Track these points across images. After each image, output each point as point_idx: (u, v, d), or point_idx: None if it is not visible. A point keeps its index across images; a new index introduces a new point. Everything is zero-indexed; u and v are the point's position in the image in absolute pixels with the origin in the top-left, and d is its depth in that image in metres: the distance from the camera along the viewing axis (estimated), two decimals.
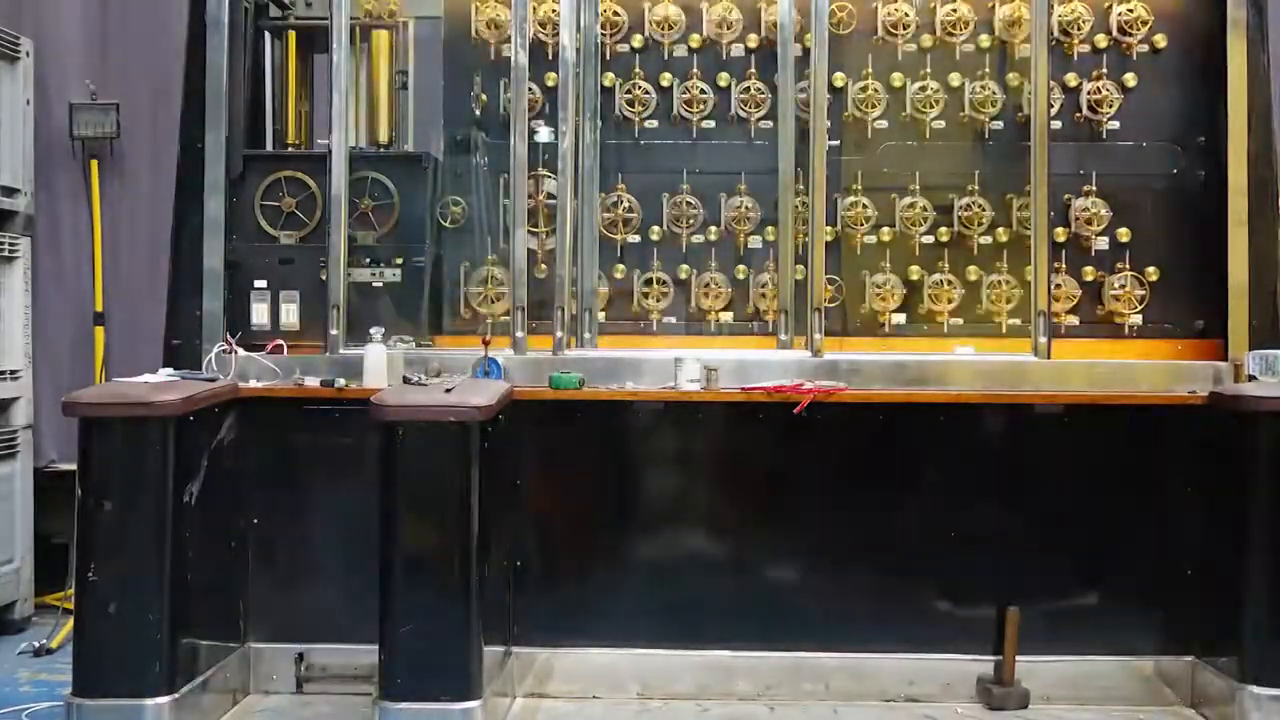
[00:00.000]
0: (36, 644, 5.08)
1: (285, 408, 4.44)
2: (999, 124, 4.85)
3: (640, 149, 4.90)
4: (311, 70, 5.18)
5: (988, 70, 4.85)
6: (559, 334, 4.57)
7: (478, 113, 4.93)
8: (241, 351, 4.48)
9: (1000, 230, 4.83)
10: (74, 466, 4.10)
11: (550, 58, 4.88)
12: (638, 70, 4.85)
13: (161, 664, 3.92)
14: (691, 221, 4.84)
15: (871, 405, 4.43)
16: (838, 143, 4.86)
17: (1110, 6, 4.80)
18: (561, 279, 4.61)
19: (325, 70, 5.05)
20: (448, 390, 4.02)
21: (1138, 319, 4.77)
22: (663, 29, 4.85)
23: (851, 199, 4.84)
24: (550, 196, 4.90)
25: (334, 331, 4.57)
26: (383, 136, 4.94)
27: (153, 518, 3.91)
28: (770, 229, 4.81)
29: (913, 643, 4.42)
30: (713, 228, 4.82)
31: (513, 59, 4.64)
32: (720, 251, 4.87)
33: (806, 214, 4.83)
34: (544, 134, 4.80)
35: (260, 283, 4.68)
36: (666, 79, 4.88)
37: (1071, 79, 4.81)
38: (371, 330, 4.50)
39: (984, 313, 4.82)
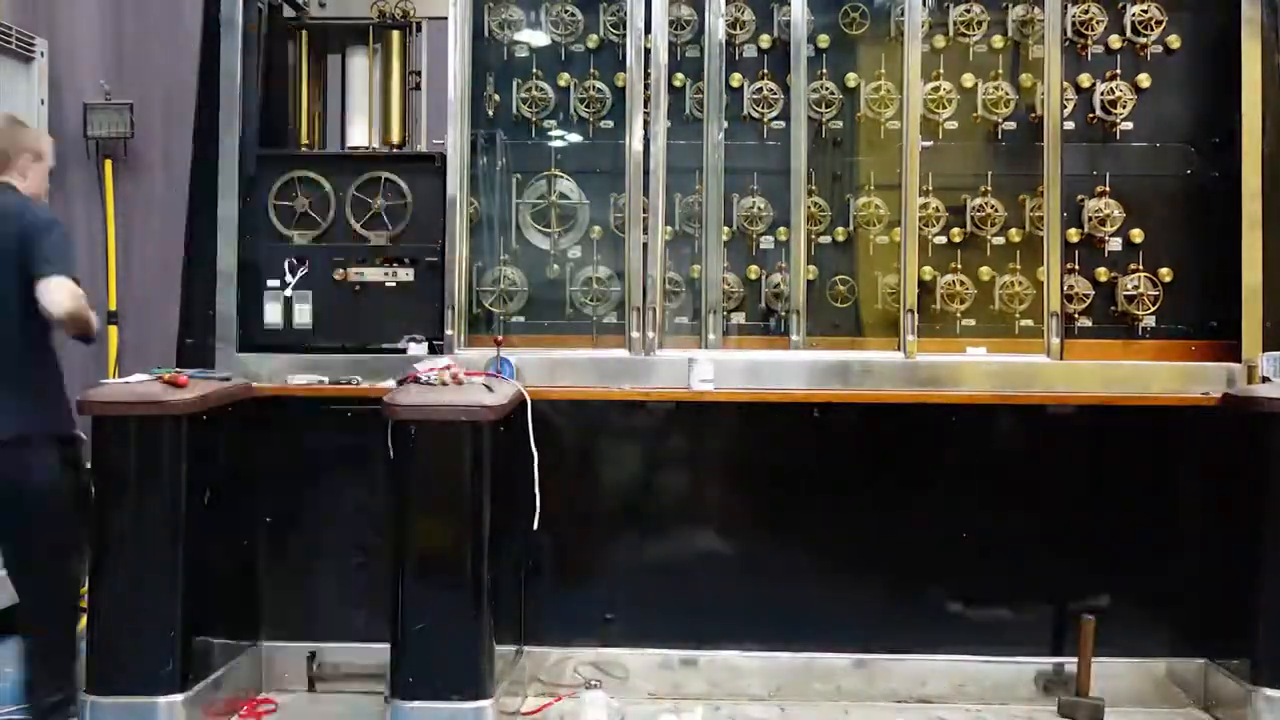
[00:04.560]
0: None
1: (298, 407, 4.46)
2: (1012, 124, 4.84)
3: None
4: (325, 71, 5.19)
5: (1001, 71, 4.84)
6: (636, 335, 4.61)
7: (490, 113, 4.95)
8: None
9: (1013, 231, 4.82)
10: (87, 465, 4.12)
11: (564, 59, 4.91)
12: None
13: (174, 662, 3.93)
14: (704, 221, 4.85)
15: (884, 406, 4.44)
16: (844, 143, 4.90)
17: (1124, 7, 4.80)
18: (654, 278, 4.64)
19: (339, 71, 5.10)
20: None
21: (1151, 320, 4.76)
22: (675, 29, 4.85)
23: (865, 199, 4.84)
24: (563, 196, 4.92)
25: (450, 331, 4.63)
26: (395, 137, 4.96)
27: (166, 516, 3.93)
28: (782, 229, 4.81)
29: (924, 644, 4.42)
30: (725, 227, 4.81)
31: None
32: (733, 251, 4.87)
33: (819, 214, 4.85)
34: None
35: (273, 282, 4.70)
36: (680, 79, 4.88)
37: (1085, 80, 4.80)
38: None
39: (997, 313, 4.81)
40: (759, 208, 4.85)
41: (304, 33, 5.01)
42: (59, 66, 5.67)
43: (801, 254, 4.68)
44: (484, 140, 4.93)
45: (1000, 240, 4.83)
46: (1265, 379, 4.41)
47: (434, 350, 4.63)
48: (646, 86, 4.68)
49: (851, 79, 4.88)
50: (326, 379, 4.50)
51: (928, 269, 4.78)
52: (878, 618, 4.43)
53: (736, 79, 4.88)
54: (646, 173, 4.65)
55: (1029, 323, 4.75)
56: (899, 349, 4.56)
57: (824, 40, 4.86)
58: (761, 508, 4.49)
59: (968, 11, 4.82)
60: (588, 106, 4.91)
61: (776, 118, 4.86)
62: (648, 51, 4.67)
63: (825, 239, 4.87)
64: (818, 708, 4.38)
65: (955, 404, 4.43)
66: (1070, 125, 4.73)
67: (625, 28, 4.76)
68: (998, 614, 4.42)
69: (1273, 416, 4.13)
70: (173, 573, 3.94)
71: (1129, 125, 4.80)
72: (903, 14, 4.66)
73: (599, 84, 4.91)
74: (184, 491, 3.96)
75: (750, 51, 4.92)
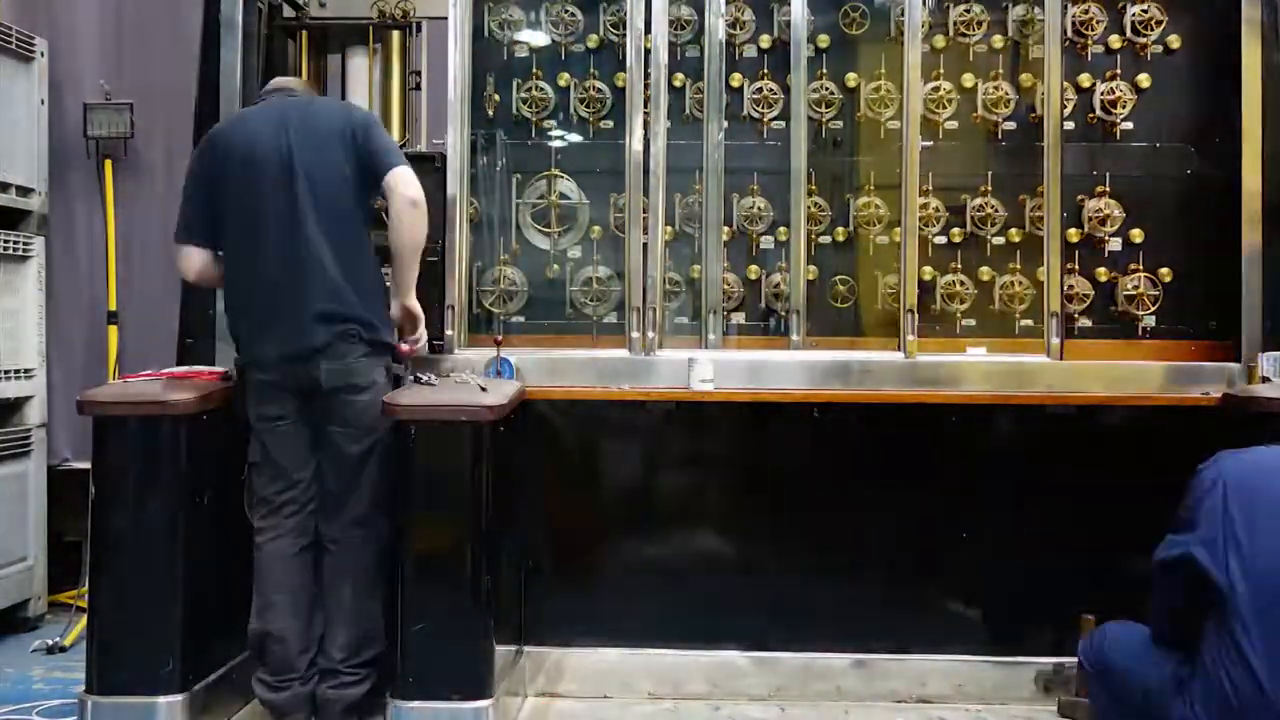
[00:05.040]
0: (50, 641, 5.11)
1: None
2: (1012, 124, 4.84)
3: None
4: (325, 71, 5.19)
5: (1001, 71, 4.85)
6: (636, 335, 4.60)
7: (490, 113, 4.95)
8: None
9: (1013, 231, 4.82)
10: (87, 465, 4.12)
11: (564, 59, 4.91)
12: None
13: (174, 662, 3.92)
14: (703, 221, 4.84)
15: (884, 406, 4.44)
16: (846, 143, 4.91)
17: (1124, 7, 4.80)
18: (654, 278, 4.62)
19: (339, 71, 5.10)
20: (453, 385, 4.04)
21: (1151, 320, 4.76)
22: (675, 29, 4.85)
23: (865, 199, 4.84)
24: (563, 196, 4.92)
25: (450, 331, 4.61)
26: (395, 136, 4.96)
27: (166, 516, 3.93)
28: (782, 229, 4.81)
29: (924, 644, 4.41)
30: (725, 227, 4.81)
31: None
32: (733, 251, 4.87)
33: (819, 214, 4.85)
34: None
35: None
36: (680, 79, 4.88)
37: (1085, 80, 4.80)
38: None
39: (997, 313, 4.81)
40: (759, 208, 4.85)
41: (304, 33, 5.01)
42: (59, 66, 5.67)
43: (801, 254, 4.68)
44: (484, 140, 4.93)
45: (1000, 240, 4.83)
46: (1265, 379, 4.41)
47: (434, 350, 4.63)
48: (646, 86, 4.68)
49: (851, 79, 4.88)
50: None
51: (928, 269, 4.78)
52: (878, 618, 4.42)
53: (736, 79, 4.88)
54: (646, 173, 4.64)
55: (1029, 323, 4.75)
56: (899, 349, 4.56)
57: (824, 40, 4.87)
58: (761, 508, 4.48)
59: (968, 11, 4.83)
60: (588, 106, 4.91)
61: (776, 118, 4.86)
62: (648, 51, 4.68)
63: (825, 239, 4.87)
64: (818, 708, 4.37)
65: (955, 404, 4.42)
66: (1070, 125, 4.73)
67: (625, 28, 4.76)
68: (998, 614, 4.42)
69: (1273, 416, 4.13)
70: (173, 573, 3.93)
71: (1129, 125, 4.80)
72: (903, 14, 4.67)
73: (599, 84, 4.91)
74: (184, 491, 3.96)
75: (750, 51, 4.92)
